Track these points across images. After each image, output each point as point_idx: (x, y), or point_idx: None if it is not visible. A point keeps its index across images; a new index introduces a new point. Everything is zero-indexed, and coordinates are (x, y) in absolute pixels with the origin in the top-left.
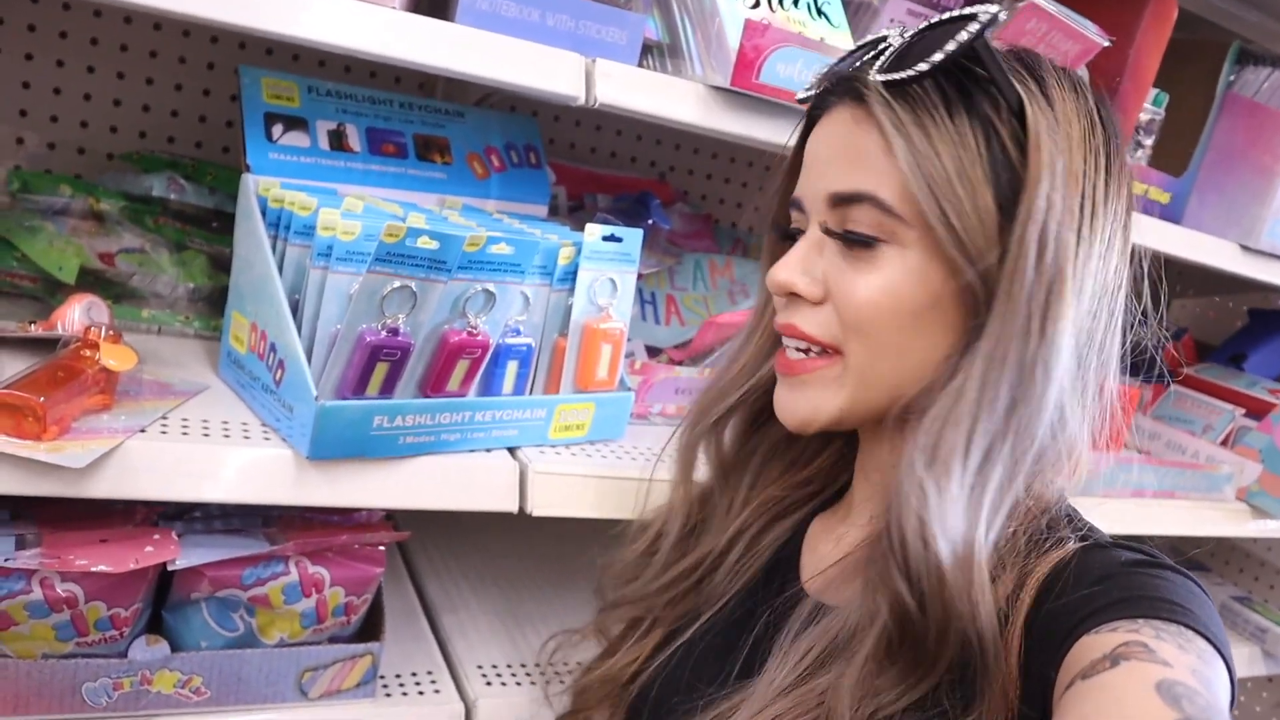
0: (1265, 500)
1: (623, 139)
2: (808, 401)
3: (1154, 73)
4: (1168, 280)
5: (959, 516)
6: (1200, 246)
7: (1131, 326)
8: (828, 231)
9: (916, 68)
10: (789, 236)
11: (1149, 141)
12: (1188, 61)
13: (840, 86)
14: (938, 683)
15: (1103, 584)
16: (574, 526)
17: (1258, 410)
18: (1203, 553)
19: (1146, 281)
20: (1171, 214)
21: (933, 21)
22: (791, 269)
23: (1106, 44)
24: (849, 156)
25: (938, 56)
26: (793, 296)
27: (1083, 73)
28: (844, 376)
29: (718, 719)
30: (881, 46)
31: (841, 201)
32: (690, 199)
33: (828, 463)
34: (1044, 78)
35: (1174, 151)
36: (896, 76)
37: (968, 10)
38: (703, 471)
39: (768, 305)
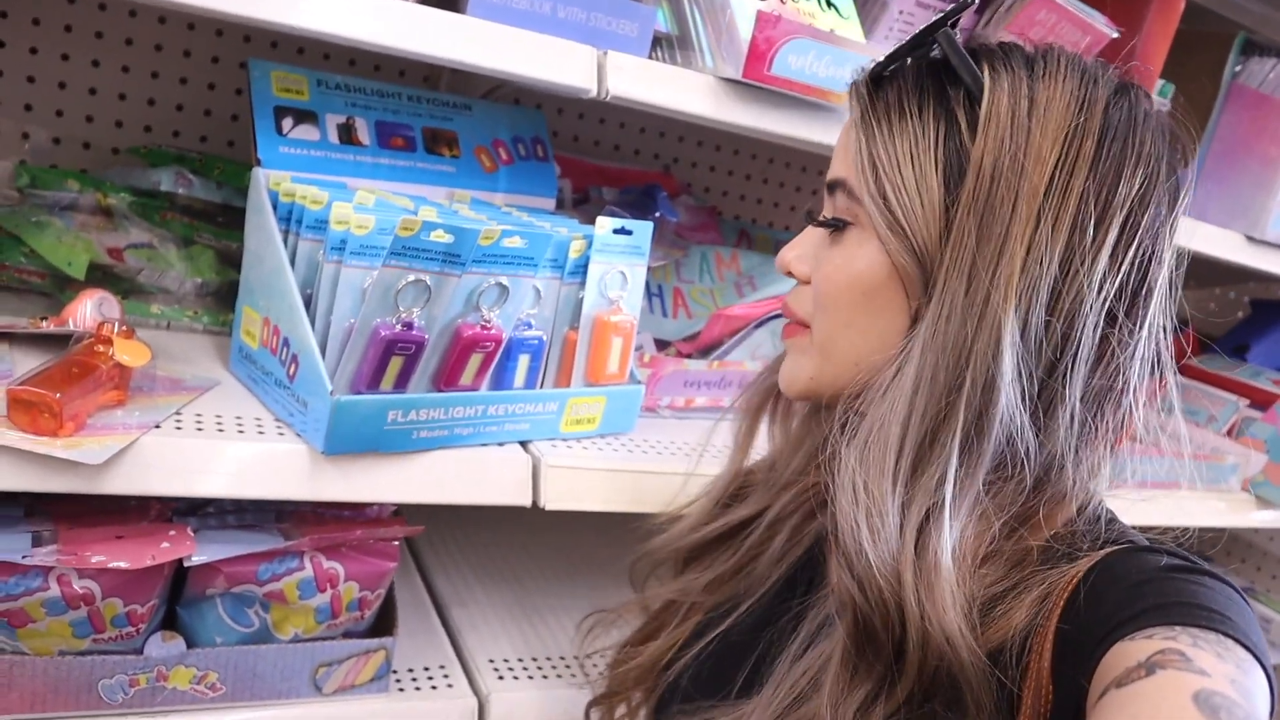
0: (1270, 490)
1: (626, 131)
2: (789, 365)
3: (1161, 64)
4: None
5: (891, 508)
6: (1206, 237)
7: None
8: (818, 217)
9: (891, 65)
10: (814, 220)
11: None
12: (1193, 53)
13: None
14: (924, 695)
15: (1139, 589)
16: (579, 519)
17: (1262, 401)
18: (1205, 543)
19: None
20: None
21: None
22: (789, 250)
23: (1115, 35)
24: (839, 147)
25: (904, 50)
26: (792, 275)
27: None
28: (810, 348)
29: None
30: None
31: (831, 188)
32: (694, 191)
33: None
34: (1037, 67)
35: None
36: (880, 73)
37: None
38: (758, 447)
39: None
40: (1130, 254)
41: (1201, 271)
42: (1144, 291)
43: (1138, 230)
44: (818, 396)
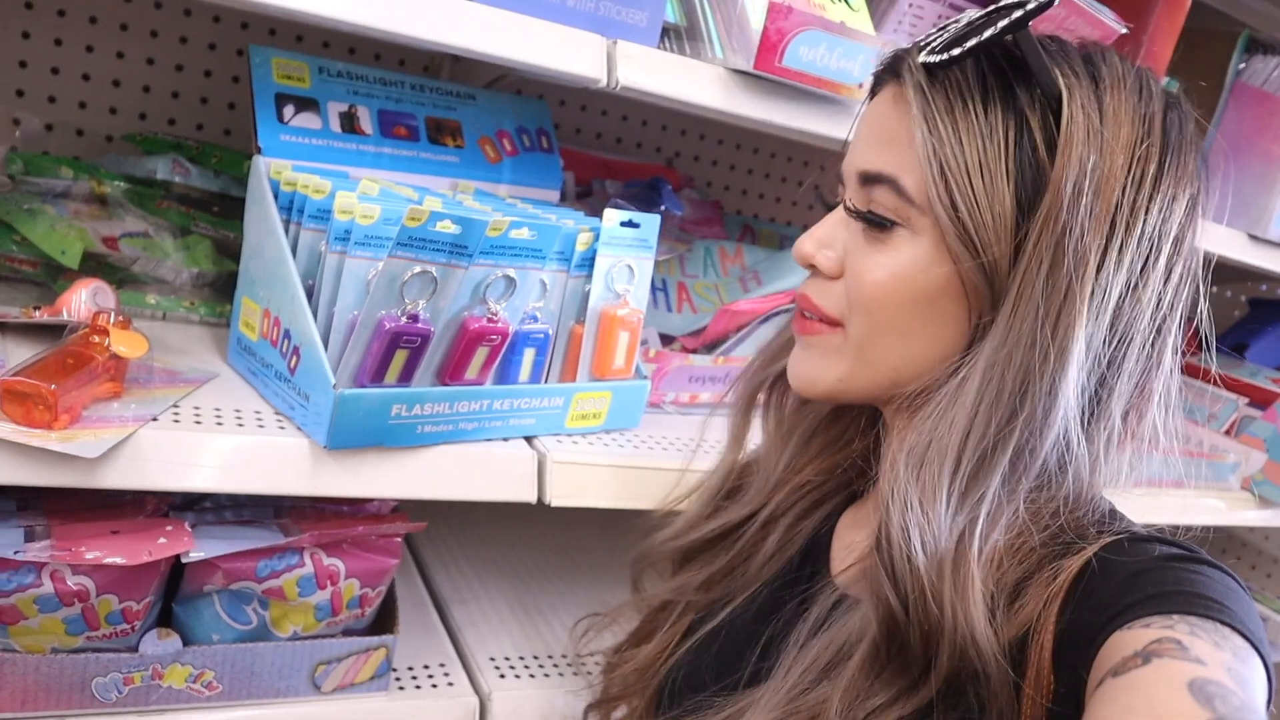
0: (1270, 489)
1: (628, 125)
2: (811, 363)
3: (1167, 60)
4: None
5: (942, 526)
6: (1209, 235)
7: (1179, 352)
8: (849, 208)
9: (952, 52)
10: (832, 208)
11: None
12: (1197, 50)
13: (892, 66)
14: (934, 697)
15: (1137, 578)
16: (579, 515)
17: (1262, 400)
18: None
19: (1205, 299)
20: None
21: (996, 7)
22: (814, 242)
23: (1124, 30)
24: (881, 137)
25: (972, 42)
26: (812, 268)
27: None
28: (844, 348)
29: (731, 718)
30: (947, 23)
31: (867, 180)
32: (697, 186)
33: (862, 451)
34: (1102, 74)
35: None
36: (935, 59)
37: None
38: (753, 440)
39: None
40: (1178, 272)
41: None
42: (1180, 308)
43: (1184, 248)
44: (841, 399)
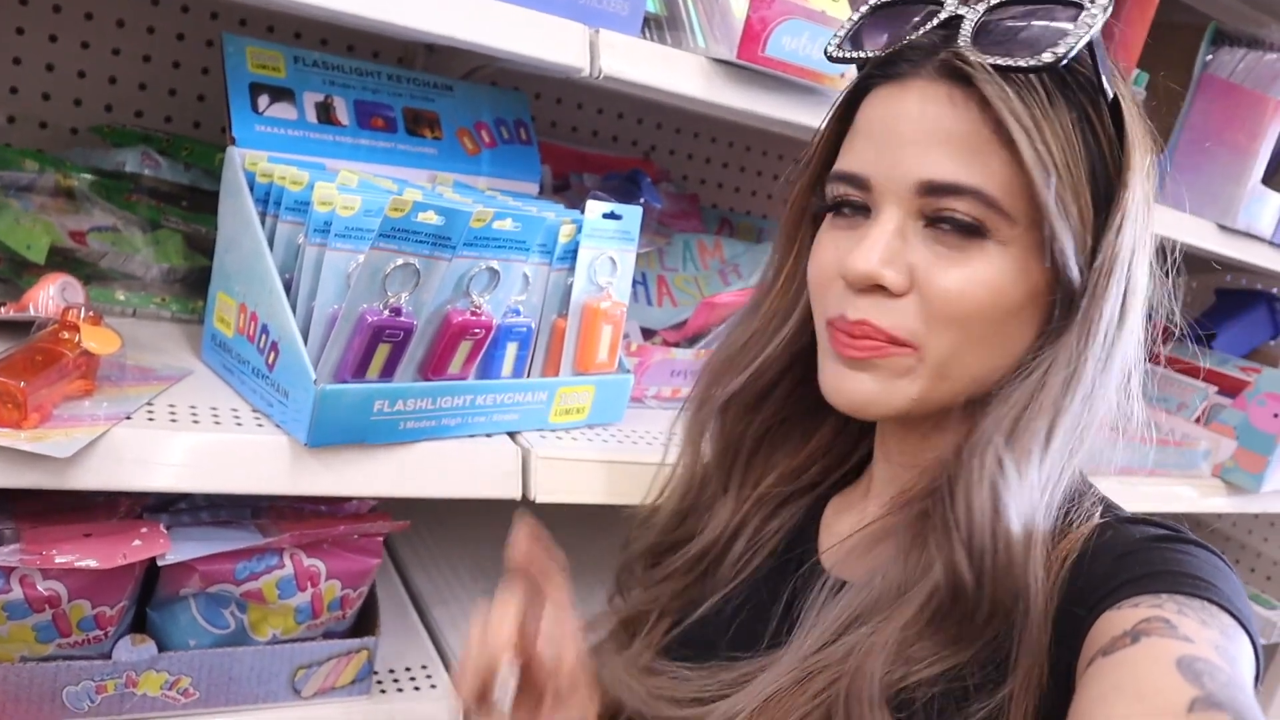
0: (1240, 476)
1: (605, 118)
2: (876, 386)
3: (1138, 52)
4: None
5: (1033, 501)
6: (1179, 225)
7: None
8: (928, 219)
9: (1042, 57)
10: (834, 210)
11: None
12: (1165, 42)
13: (920, 57)
14: (968, 657)
15: (1125, 559)
16: (560, 512)
17: (1231, 388)
18: None
19: (1173, 271)
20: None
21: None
22: (877, 258)
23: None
24: (947, 142)
25: (1062, 48)
26: (873, 287)
27: None
28: (919, 369)
29: (742, 679)
30: (945, 17)
31: (935, 191)
32: (673, 179)
33: (820, 448)
34: (1115, 69)
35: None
36: (1016, 63)
37: None
38: (707, 449)
39: (776, 284)
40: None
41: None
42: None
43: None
44: (908, 417)
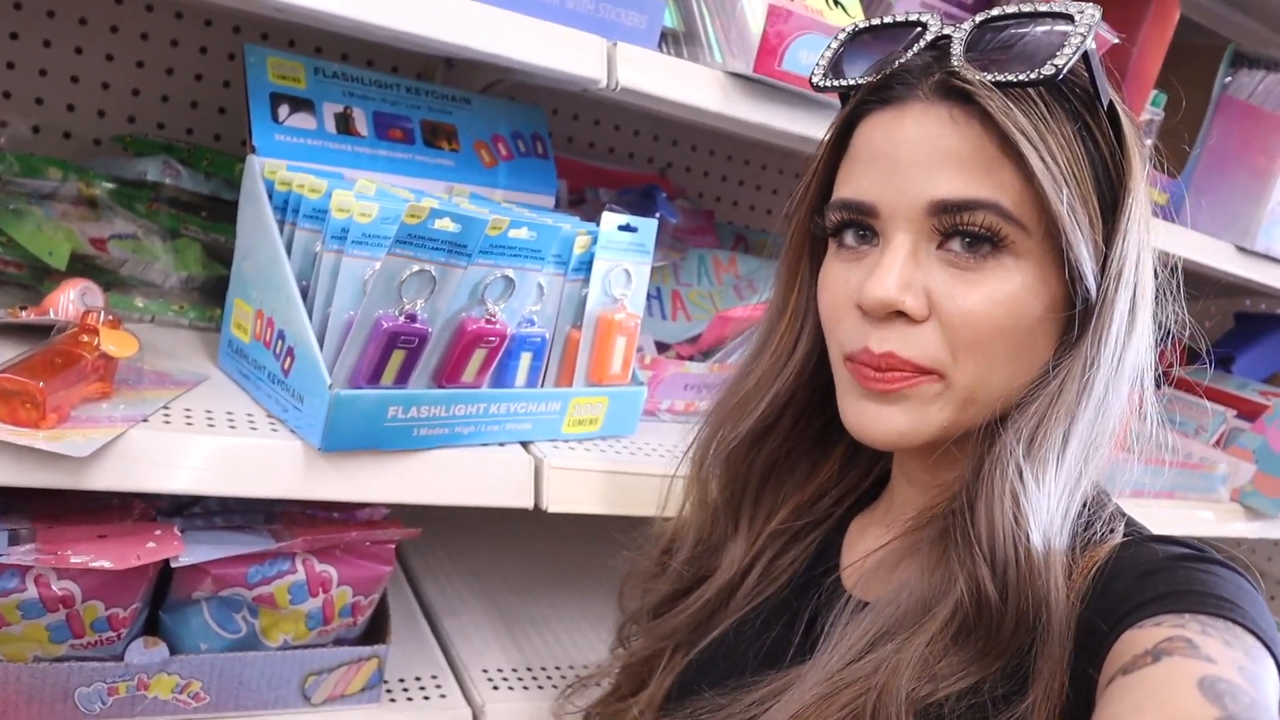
0: (1260, 500)
1: (621, 134)
2: (906, 418)
3: (1156, 72)
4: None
5: (1051, 509)
6: (1197, 247)
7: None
8: (944, 236)
9: (1042, 71)
10: (837, 238)
11: (1148, 142)
12: (1184, 63)
13: (914, 80)
14: (992, 670)
15: (1149, 577)
16: (570, 523)
17: (1250, 412)
18: None
19: (1180, 288)
20: (1168, 214)
21: (1018, 12)
22: (894, 285)
23: (1116, 40)
24: (955, 160)
25: (1060, 60)
26: (892, 315)
27: None
28: (946, 395)
29: (768, 697)
30: (933, 37)
31: (950, 209)
32: (689, 195)
33: (829, 477)
34: (1111, 74)
35: (1170, 153)
36: (1015, 78)
37: (1057, 6)
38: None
39: (783, 318)
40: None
41: (1190, 283)
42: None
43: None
44: (938, 444)
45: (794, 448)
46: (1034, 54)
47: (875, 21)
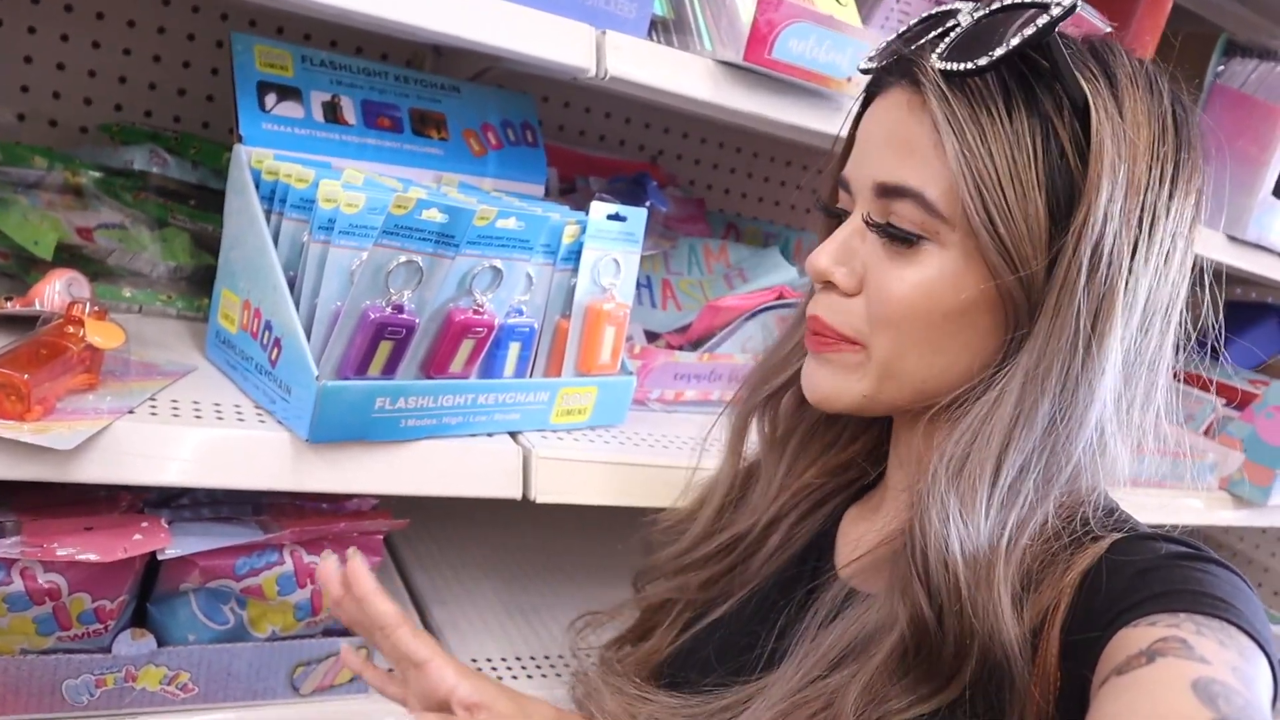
0: (1248, 489)
1: (611, 122)
2: (830, 380)
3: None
4: None
5: (981, 534)
6: None
7: (1183, 346)
8: (869, 222)
9: (977, 61)
10: (835, 215)
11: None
12: (1176, 53)
13: (899, 67)
14: (956, 698)
15: (1143, 576)
16: (559, 513)
17: (1239, 401)
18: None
19: (1208, 296)
20: None
21: (1004, 4)
22: (830, 257)
23: (1108, 30)
24: (898, 146)
25: (1000, 50)
26: (826, 284)
27: None
28: (866, 365)
29: (730, 707)
30: (949, 25)
31: (886, 193)
32: (680, 183)
33: (864, 449)
34: (1117, 75)
35: None
36: (957, 67)
37: None
38: (752, 445)
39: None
40: (1186, 267)
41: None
42: (1181, 302)
43: (1192, 244)
44: (865, 413)
45: (840, 415)
46: (991, 41)
47: (927, 13)
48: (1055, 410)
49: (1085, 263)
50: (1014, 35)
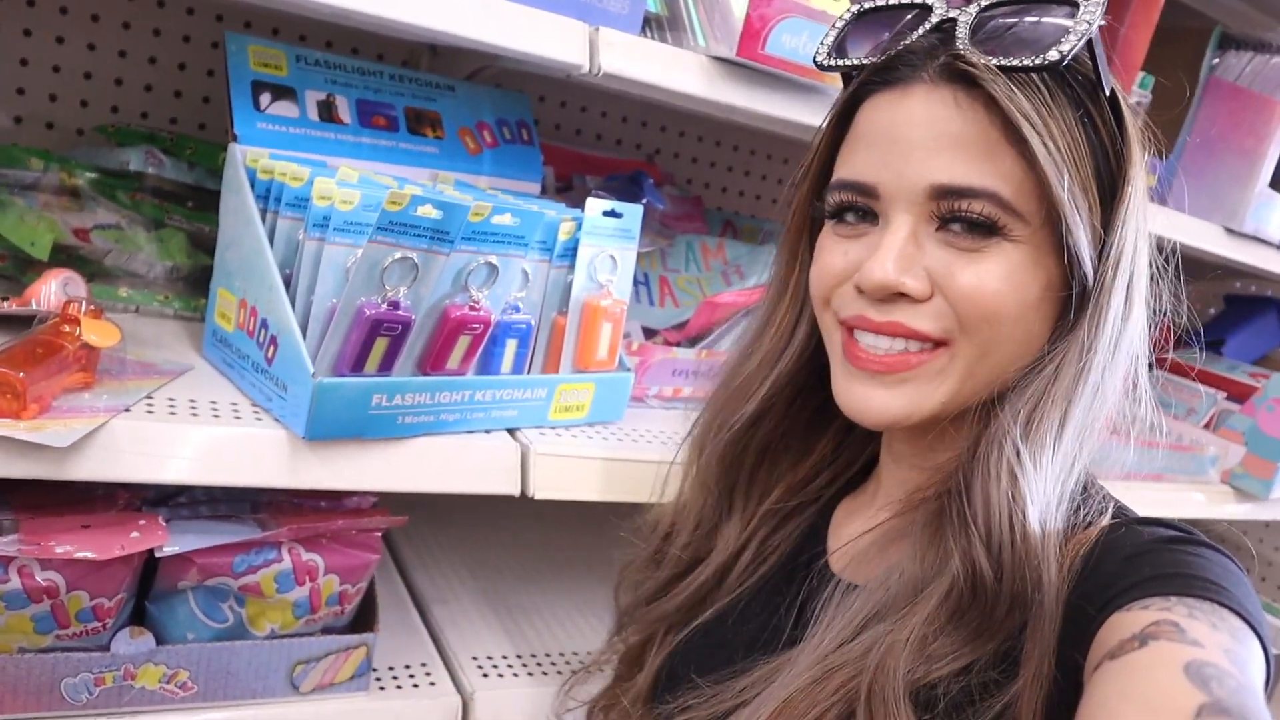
0: (1249, 482)
1: (608, 121)
2: (905, 399)
3: (1143, 54)
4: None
5: (1047, 491)
6: (1185, 229)
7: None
8: (941, 221)
9: (1047, 57)
10: (837, 217)
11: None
12: (1171, 45)
13: (919, 61)
14: (984, 652)
15: (1136, 560)
16: (559, 510)
17: (1240, 394)
18: None
19: (1178, 271)
20: (1157, 197)
21: None
22: (894, 268)
23: (1101, 23)
24: (959, 145)
25: (1066, 46)
26: (894, 297)
27: None
28: (949, 368)
29: (760, 681)
30: (937, 20)
31: (950, 194)
32: (676, 181)
33: (825, 455)
34: (1111, 61)
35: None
36: (1019, 62)
37: None
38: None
39: (784, 297)
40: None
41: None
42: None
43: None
44: (926, 423)
45: (789, 428)
46: (1038, 39)
47: (881, 2)
48: (1104, 373)
49: (1129, 244)
50: (1075, 31)
